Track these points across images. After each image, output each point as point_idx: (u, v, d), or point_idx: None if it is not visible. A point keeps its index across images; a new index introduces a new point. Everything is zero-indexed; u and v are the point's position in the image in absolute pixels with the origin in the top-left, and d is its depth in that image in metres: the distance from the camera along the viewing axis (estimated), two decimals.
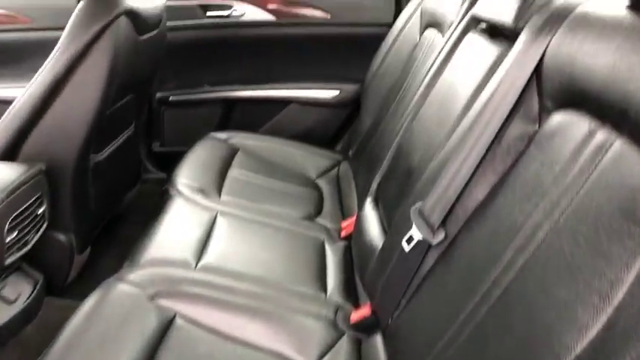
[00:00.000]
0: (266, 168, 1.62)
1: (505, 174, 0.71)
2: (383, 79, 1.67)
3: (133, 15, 1.25)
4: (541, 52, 0.69)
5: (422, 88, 1.15)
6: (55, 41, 1.18)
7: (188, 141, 1.71)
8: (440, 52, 1.16)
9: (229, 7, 1.89)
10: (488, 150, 0.73)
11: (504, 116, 0.72)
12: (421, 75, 1.26)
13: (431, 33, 1.43)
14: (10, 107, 1.18)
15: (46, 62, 1.17)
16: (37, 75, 1.16)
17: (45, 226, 1.19)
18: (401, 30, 1.66)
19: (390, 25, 1.80)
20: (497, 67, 0.83)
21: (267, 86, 1.98)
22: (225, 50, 1.99)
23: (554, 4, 0.75)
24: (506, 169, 0.71)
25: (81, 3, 1.19)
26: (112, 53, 1.16)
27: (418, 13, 1.59)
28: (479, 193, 0.74)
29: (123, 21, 1.20)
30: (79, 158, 1.21)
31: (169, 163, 1.62)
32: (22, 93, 1.18)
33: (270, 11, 1.92)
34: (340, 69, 1.98)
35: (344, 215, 1.45)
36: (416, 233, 0.79)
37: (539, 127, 0.68)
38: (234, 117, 2.02)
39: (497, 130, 0.72)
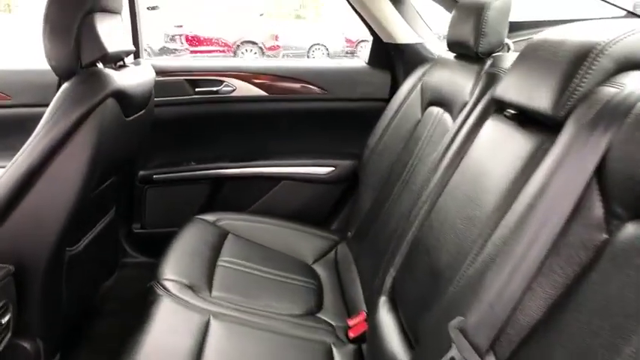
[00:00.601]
0: (259, 254, 1.49)
1: (568, 289, 0.60)
2: (382, 156, 1.59)
3: (121, 96, 1.14)
4: (601, 151, 0.60)
5: (438, 175, 1.05)
6: (34, 118, 1.06)
7: (171, 222, 1.58)
8: (455, 136, 1.08)
9: (220, 82, 1.82)
10: (543, 259, 0.63)
11: (561, 222, 0.62)
12: (431, 157, 1.18)
13: (435, 111, 1.37)
14: None
15: (22, 148, 1.03)
16: (11, 163, 1.03)
17: (9, 336, 1.01)
18: (400, 106, 1.60)
19: (386, 101, 1.74)
20: (538, 160, 0.74)
21: (258, 163, 1.88)
22: (215, 126, 1.90)
23: (601, 93, 0.67)
24: (569, 283, 0.60)
25: (66, 83, 1.08)
26: (96, 139, 1.03)
27: (418, 89, 1.53)
28: (534, 309, 0.63)
29: (110, 103, 1.09)
30: (53, 256, 1.06)
31: (150, 246, 1.48)
32: None
33: (262, 87, 1.85)
34: (335, 144, 1.90)
35: (348, 308, 1.31)
36: (457, 355, 0.68)
37: (608, 236, 0.59)
38: (221, 195, 1.90)
39: (553, 237, 0.62)
